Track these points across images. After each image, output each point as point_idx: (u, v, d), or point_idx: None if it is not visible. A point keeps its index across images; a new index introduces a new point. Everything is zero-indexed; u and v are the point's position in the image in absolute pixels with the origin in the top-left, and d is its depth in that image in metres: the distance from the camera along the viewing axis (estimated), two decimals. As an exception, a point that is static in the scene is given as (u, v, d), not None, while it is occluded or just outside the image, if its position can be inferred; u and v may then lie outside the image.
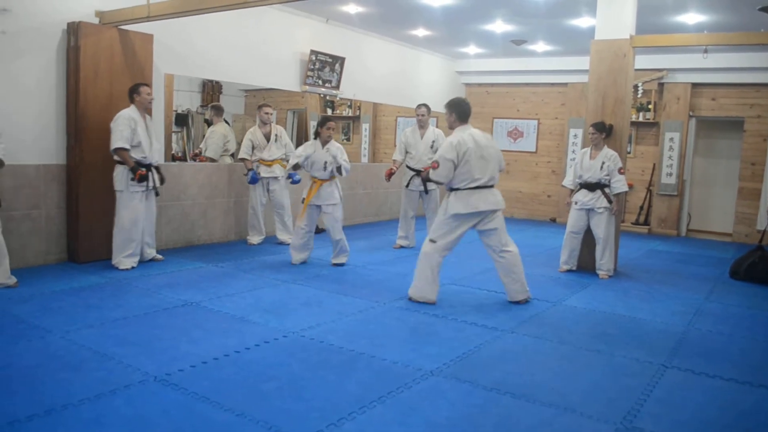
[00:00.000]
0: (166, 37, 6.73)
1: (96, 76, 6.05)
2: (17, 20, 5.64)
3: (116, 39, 6.18)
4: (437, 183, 5.33)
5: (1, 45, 5.55)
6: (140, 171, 5.87)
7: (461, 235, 5.24)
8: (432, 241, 5.26)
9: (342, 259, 6.69)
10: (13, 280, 5.21)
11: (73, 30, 5.93)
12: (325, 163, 6.37)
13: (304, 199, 6.52)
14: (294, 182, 7.33)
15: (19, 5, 5.64)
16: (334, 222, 6.51)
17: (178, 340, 4.07)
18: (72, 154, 6.06)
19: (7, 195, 5.66)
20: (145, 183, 5.96)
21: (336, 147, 6.48)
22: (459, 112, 5.23)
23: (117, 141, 5.80)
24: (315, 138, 6.55)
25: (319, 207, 6.51)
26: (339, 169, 6.40)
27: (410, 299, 5.32)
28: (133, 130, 5.85)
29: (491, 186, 5.21)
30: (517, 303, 5.37)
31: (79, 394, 3.19)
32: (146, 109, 6.09)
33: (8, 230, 5.67)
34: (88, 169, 6.04)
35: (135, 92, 5.98)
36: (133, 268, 6.01)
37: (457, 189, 5.15)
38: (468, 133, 5.15)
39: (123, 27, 6.20)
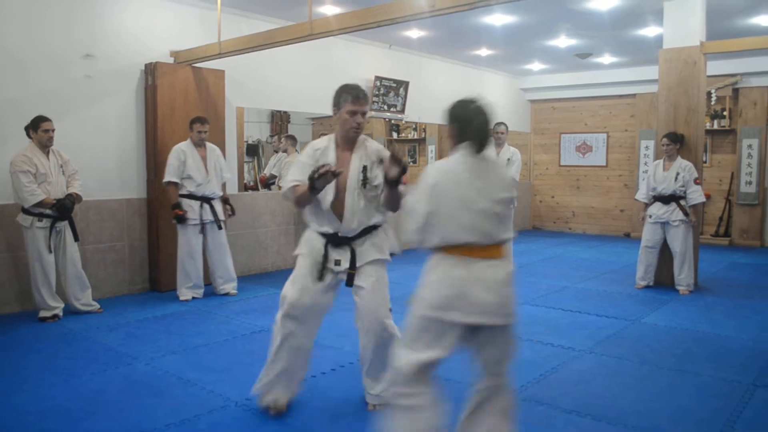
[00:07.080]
0: (237, 71, 6.99)
1: (172, 113, 6.34)
2: (100, 64, 6.00)
3: (190, 76, 6.47)
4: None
5: (87, 88, 5.92)
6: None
7: None
8: None
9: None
10: (96, 306, 5.56)
11: (150, 70, 6.25)
12: None
13: None
14: None
15: (101, 50, 6.00)
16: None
17: (256, 366, 4.12)
18: (152, 188, 6.35)
19: (94, 228, 5.99)
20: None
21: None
22: None
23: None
24: None
25: None
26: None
27: None
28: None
29: None
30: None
31: (165, 419, 3.32)
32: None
33: (95, 262, 5.99)
34: (166, 201, 6.27)
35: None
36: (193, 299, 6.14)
37: None
38: None
39: (196, 65, 6.48)
